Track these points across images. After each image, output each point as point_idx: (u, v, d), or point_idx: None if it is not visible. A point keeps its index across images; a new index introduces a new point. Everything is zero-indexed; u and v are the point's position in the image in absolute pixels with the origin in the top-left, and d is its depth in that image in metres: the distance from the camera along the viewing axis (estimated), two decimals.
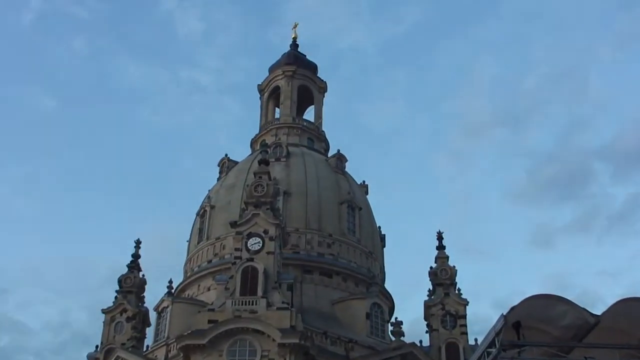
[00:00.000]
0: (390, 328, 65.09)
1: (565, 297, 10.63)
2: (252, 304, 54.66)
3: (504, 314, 10.55)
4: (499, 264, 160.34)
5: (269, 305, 54.54)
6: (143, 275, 71.35)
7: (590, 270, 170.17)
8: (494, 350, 10.20)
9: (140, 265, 71.88)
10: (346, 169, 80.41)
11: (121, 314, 68.20)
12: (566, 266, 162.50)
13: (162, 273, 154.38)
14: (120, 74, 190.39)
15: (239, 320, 53.66)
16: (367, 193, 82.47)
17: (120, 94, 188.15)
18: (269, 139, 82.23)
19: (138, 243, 72.99)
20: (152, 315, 68.25)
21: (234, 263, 57.29)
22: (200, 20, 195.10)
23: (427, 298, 71.43)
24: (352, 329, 63.35)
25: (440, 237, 74.05)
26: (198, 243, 74.27)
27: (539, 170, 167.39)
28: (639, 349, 11.85)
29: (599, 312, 12.01)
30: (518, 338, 10.61)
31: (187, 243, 78.18)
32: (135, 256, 72.11)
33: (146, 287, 71.23)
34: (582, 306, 10.63)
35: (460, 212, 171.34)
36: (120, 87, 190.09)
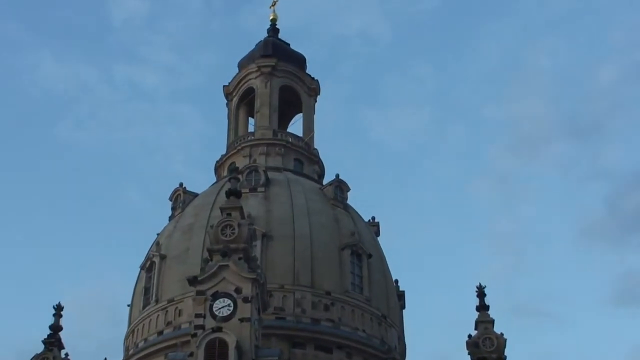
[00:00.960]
0: None
1: None
2: None
3: None
4: (567, 330, 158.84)
5: None
6: (66, 355, 70.65)
7: None
8: None
9: (62, 341, 71.25)
10: (348, 202, 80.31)
11: None
12: None
13: (94, 351, 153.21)
14: (32, 73, 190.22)
15: None
16: (377, 234, 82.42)
17: (33, 101, 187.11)
18: (241, 162, 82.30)
19: (59, 309, 72.20)
20: None
21: (195, 335, 56.71)
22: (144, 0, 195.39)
23: None
24: None
25: (481, 292, 73.59)
26: (144, 308, 73.84)
27: (622, 198, 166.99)
28: None
29: None
30: None
31: (128, 308, 77.79)
32: (55, 328, 71.23)
33: None
34: None
35: (510, 258, 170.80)
36: (32, 91, 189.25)
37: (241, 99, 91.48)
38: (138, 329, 73.54)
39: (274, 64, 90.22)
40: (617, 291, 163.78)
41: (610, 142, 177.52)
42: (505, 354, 71.01)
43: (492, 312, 72.32)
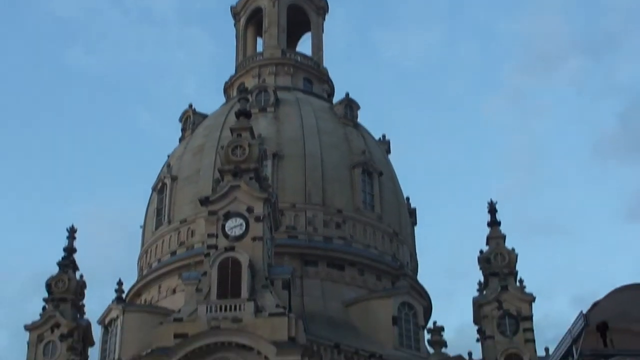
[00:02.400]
0: (427, 336, 65.17)
1: None
2: (235, 310, 54.65)
3: (585, 312, 10.29)
4: (579, 245, 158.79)
5: (258, 310, 54.59)
6: (81, 277, 71.26)
7: None
8: None
9: (77, 263, 71.85)
10: (359, 120, 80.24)
11: (52, 331, 68.07)
12: None
13: (108, 272, 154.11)
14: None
15: (217, 332, 53.71)
16: (388, 152, 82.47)
17: (43, 28, 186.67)
18: (250, 82, 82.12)
19: (72, 232, 72.77)
20: (97, 330, 68.38)
21: (208, 254, 57.23)
22: None
23: (476, 294, 71.56)
24: (374, 340, 63.54)
25: (493, 208, 73.86)
26: (156, 229, 74.34)
27: (636, 114, 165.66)
28: None
29: None
30: (605, 345, 10.35)
31: (140, 229, 78.23)
32: (69, 250, 71.87)
33: (86, 292, 71.29)
34: None
35: (523, 175, 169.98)
36: (42, 17, 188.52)
37: (249, 19, 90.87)
38: (151, 250, 74.06)
39: None
40: (629, 207, 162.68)
41: (624, 58, 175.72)
42: (517, 268, 71.61)
43: (504, 229, 72.59)
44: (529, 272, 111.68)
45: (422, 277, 77.01)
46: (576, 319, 10.08)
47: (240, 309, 54.65)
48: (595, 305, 10.37)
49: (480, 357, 67.86)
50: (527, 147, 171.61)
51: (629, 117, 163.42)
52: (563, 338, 10.16)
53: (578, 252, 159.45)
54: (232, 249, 56.52)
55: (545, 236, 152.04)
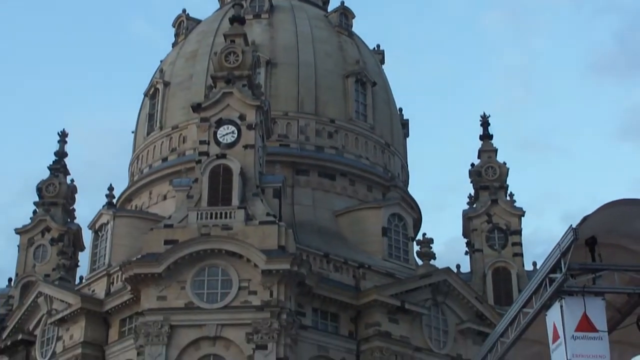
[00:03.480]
0: (416, 248, 65.63)
1: None
2: (226, 217, 54.91)
3: (574, 226, 10.40)
4: (571, 163, 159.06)
5: (248, 218, 54.78)
6: (72, 181, 71.47)
7: None
8: (558, 276, 10.07)
9: (68, 167, 71.87)
10: (354, 29, 79.61)
11: (43, 235, 68.50)
12: None
13: (99, 177, 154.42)
14: None
15: (207, 239, 53.97)
16: (382, 62, 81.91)
17: None
18: None
19: (64, 136, 72.82)
20: (87, 235, 68.56)
21: (199, 161, 57.37)
22: None
23: (467, 207, 71.90)
24: (363, 250, 63.76)
25: (486, 122, 74.04)
26: (148, 134, 73.98)
27: (632, 32, 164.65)
28: None
29: None
30: (593, 260, 10.49)
31: (132, 135, 78.03)
32: (60, 154, 71.92)
33: (77, 196, 71.50)
34: None
35: (518, 91, 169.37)
36: None
37: None
38: (142, 156, 73.79)
39: None
40: (623, 125, 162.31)
41: None
42: (507, 182, 71.85)
43: (498, 144, 72.96)
44: (520, 188, 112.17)
45: (413, 189, 77.12)
46: (565, 233, 10.23)
47: (230, 216, 54.89)
48: (584, 219, 10.52)
49: (469, 270, 68.49)
50: (523, 62, 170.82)
51: (626, 36, 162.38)
52: (552, 252, 10.33)
53: (570, 169, 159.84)
54: (223, 156, 56.56)
55: (538, 153, 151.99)
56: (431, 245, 62.82)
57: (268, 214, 55.10)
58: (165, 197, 68.43)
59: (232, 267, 53.32)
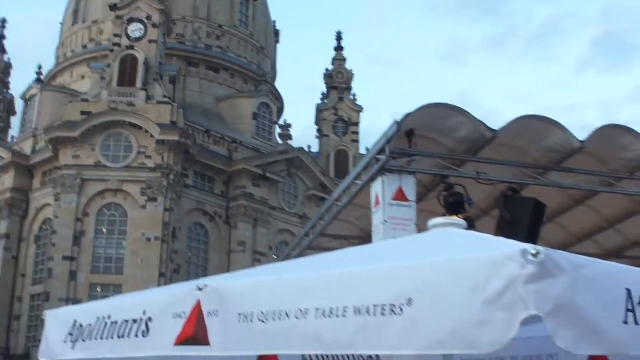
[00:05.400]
0: (278, 131, 65.61)
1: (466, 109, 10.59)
2: (131, 96, 53.91)
3: (398, 120, 10.43)
4: (405, 76, 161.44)
5: (148, 98, 53.85)
6: (9, 59, 68.76)
7: (499, 92, 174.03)
8: (383, 158, 10.16)
9: (5, 47, 69.12)
10: None
11: None
12: (476, 85, 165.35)
13: (32, 58, 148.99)
14: None
15: (115, 112, 52.96)
16: None
17: None
18: None
19: (4, 22, 69.79)
20: (19, 104, 66.53)
21: (112, 50, 55.91)
22: None
23: (319, 102, 72.02)
24: (237, 129, 63.42)
25: (339, 37, 73.67)
26: (72, 26, 71.22)
27: None
28: (533, 168, 11.93)
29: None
30: (410, 147, 10.60)
31: (60, 26, 75.20)
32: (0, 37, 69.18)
33: (12, 72, 68.92)
34: (481, 120, 10.63)
35: (370, 15, 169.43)
36: None
37: None
38: (67, 43, 71.17)
39: None
40: (447, 50, 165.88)
41: None
42: (352, 85, 72.24)
43: (348, 55, 72.85)
44: (365, 92, 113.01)
45: (280, 85, 76.65)
46: (391, 125, 10.23)
47: (134, 96, 53.96)
48: (407, 116, 10.56)
49: (318, 150, 68.93)
50: None
51: None
52: (379, 139, 10.37)
53: (404, 82, 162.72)
54: (132, 48, 55.34)
55: (381, 66, 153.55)
56: (290, 129, 63.02)
57: (164, 96, 54.30)
58: (83, 77, 66.34)
59: (133, 136, 52.57)
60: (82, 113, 53.04)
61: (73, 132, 52.06)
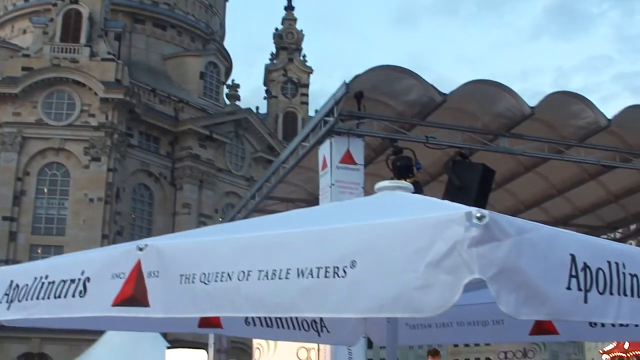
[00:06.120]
0: (226, 91, 65.24)
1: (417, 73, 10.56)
2: (74, 52, 53.11)
3: (347, 81, 10.40)
4: (356, 39, 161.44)
5: (92, 54, 53.10)
6: None
7: (450, 55, 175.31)
8: (331, 120, 10.13)
9: None
10: None
11: None
12: (427, 48, 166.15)
13: None
14: None
15: (57, 69, 52.16)
16: None
17: None
18: None
19: None
20: None
21: (55, 4, 54.89)
22: None
23: (269, 62, 71.69)
24: (184, 89, 62.88)
25: None
26: None
27: None
28: (483, 133, 12.04)
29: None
30: (359, 109, 10.58)
31: None
32: None
33: None
34: (431, 83, 10.64)
35: None
36: None
37: None
38: None
39: None
40: (399, 13, 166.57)
41: None
42: (302, 46, 71.93)
43: (299, 15, 72.52)
44: (315, 54, 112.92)
45: (228, 44, 76.36)
46: (340, 87, 10.18)
47: (78, 52, 53.27)
48: (355, 77, 10.55)
49: (266, 112, 68.72)
50: None
51: None
52: (328, 100, 10.34)
53: (355, 44, 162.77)
54: (76, 2, 54.51)
55: (332, 28, 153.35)
56: (238, 89, 62.88)
57: (109, 53, 53.60)
58: (25, 32, 65.08)
59: (77, 93, 51.94)
60: (23, 69, 52.23)
61: (13, 88, 51.24)
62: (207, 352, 15.97)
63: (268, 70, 70.41)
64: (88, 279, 4.15)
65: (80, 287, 4.16)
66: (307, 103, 69.49)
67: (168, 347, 16.79)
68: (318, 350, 9.61)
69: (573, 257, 3.46)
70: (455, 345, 78.60)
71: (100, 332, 25.64)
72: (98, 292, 4.06)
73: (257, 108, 66.33)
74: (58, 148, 51.52)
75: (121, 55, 56.20)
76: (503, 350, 17.58)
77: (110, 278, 3.99)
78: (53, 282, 4.34)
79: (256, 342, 9.93)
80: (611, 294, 3.59)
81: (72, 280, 4.23)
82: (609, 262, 3.62)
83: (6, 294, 4.65)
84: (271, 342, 9.67)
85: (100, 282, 4.08)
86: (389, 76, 11.41)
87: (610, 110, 12.13)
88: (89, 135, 51.18)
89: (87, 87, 51.62)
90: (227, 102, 63.68)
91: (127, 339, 24.06)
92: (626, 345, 32.28)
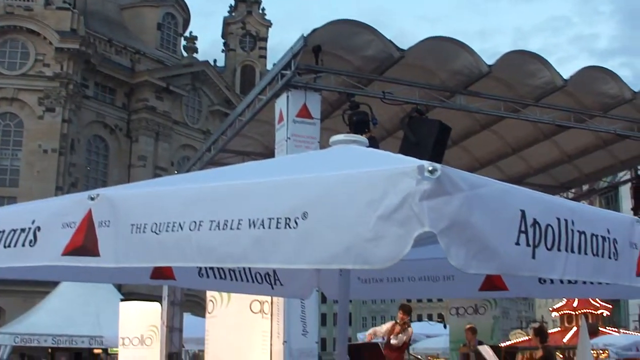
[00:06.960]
0: (184, 43, 64.57)
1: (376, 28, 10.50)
2: (29, 0, 52.11)
3: (305, 35, 10.33)
4: None
5: (47, 3, 52.08)
6: None
7: (410, 13, 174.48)
8: (288, 73, 10.06)
9: None
10: None
11: None
12: (387, 5, 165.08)
13: None
14: None
15: (11, 17, 51.13)
16: None
17: None
18: None
19: None
20: None
21: None
22: None
23: (227, 15, 71.01)
24: (140, 40, 62.07)
25: None
26: None
27: None
28: (440, 90, 12.07)
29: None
30: (316, 63, 10.53)
31: None
32: None
33: None
34: (389, 39, 10.59)
35: None
36: None
37: None
38: None
39: None
40: None
41: None
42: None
43: None
44: (275, 8, 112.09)
45: None
46: (297, 40, 10.11)
47: (33, 0, 52.16)
48: (313, 31, 10.47)
49: (224, 65, 68.21)
50: None
51: None
52: (285, 54, 10.27)
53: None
54: None
55: None
56: (196, 42, 62.14)
57: (64, 2, 52.61)
58: None
59: (31, 42, 50.98)
60: None
61: None
62: (161, 305, 16.00)
63: (226, 23, 69.75)
64: (38, 228, 4.12)
65: (31, 237, 4.13)
66: (265, 57, 69.10)
67: (122, 300, 16.80)
68: (271, 303, 9.67)
69: (523, 212, 3.49)
70: (408, 301, 79.44)
71: (54, 284, 25.54)
72: (48, 241, 4.03)
73: (215, 61, 65.86)
74: (11, 98, 50.66)
75: (77, 4, 55.21)
76: (455, 306, 17.83)
77: (61, 227, 3.96)
78: (3, 232, 4.30)
79: (210, 295, 9.95)
80: (559, 250, 3.64)
81: (23, 230, 4.19)
82: (558, 219, 3.67)
83: None
84: (225, 295, 9.69)
85: (50, 231, 4.04)
86: (348, 31, 11.37)
87: (567, 71, 12.22)
88: (43, 86, 50.38)
89: (42, 36, 50.70)
90: (185, 54, 63.06)
91: (81, 291, 24.02)
92: (575, 303, 33.02)
